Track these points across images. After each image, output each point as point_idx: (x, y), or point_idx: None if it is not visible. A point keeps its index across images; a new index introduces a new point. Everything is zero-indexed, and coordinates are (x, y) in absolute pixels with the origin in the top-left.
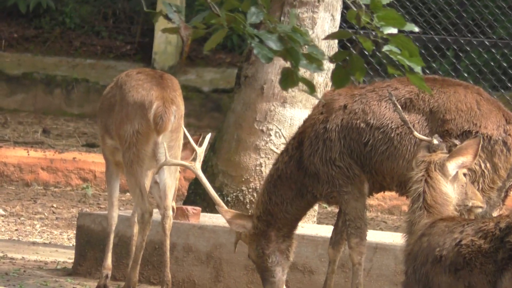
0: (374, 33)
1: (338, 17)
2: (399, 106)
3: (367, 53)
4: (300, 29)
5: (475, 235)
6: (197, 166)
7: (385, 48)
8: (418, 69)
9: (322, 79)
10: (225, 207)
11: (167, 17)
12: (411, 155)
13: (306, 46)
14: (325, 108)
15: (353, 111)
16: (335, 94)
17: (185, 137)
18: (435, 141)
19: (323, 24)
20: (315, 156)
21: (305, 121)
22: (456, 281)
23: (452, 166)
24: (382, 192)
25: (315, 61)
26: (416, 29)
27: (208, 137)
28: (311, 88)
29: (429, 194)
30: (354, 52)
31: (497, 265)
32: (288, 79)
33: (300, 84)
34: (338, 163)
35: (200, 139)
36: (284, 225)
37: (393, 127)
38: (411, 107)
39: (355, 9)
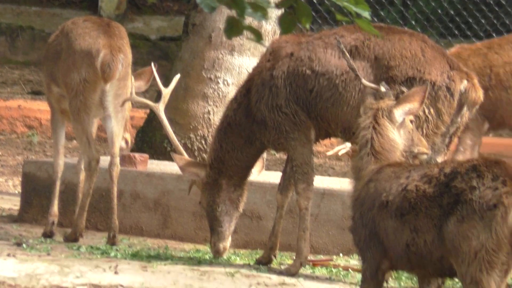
0: None
1: None
2: (347, 53)
3: (315, 1)
4: None
5: (420, 180)
6: (161, 108)
7: None
8: (365, 14)
9: (270, 27)
10: (184, 153)
11: None
12: (355, 101)
13: None
14: (272, 55)
15: (299, 58)
16: (282, 42)
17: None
18: (383, 89)
19: None
20: (262, 103)
21: (253, 69)
22: (402, 226)
23: (399, 113)
24: (329, 139)
25: (260, 9)
26: None
27: (177, 78)
28: (258, 36)
29: (377, 140)
30: None
31: (442, 209)
32: (233, 27)
33: (248, 32)
34: (284, 110)
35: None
36: (235, 173)
37: (338, 74)
38: (357, 54)
39: None
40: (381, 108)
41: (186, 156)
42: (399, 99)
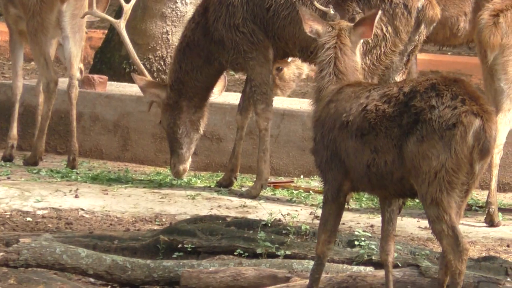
0: None
1: None
2: None
3: None
4: None
5: (380, 99)
6: (122, 24)
7: None
8: None
9: None
10: (146, 73)
11: None
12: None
13: None
14: None
15: None
16: None
17: None
18: (331, 12)
19: None
20: (219, 22)
21: None
22: (362, 146)
23: (357, 35)
24: (287, 59)
25: None
26: None
27: None
28: None
29: (341, 60)
30: None
31: (402, 129)
32: None
33: None
34: (242, 29)
35: None
36: (195, 94)
37: None
38: None
39: None
40: (344, 28)
41: (147, 76)
42: (357, 22)
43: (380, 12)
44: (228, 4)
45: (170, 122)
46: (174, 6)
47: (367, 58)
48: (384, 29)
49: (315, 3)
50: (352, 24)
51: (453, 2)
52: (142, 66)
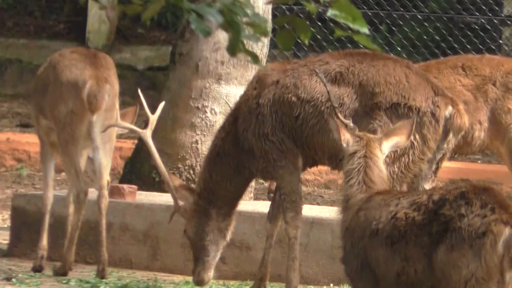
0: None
1: None
2: (325, 81)
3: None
4: (241, 0)
5: (409, 207)
6: (148, 133)
7: (329, 13)
8: (364, 30)
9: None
10: (171, 184)
11: None
12: None
13: (247, 17)
14: (258, 83)
15: (285, 85)
16: (268, 70)
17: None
18: (351, 125)
19: (256, 1)
20: (249, 131)
21: (240, 97)
22: (392, 254)
23: (387, 146)
24: (317, 167)
25: (257, 28)
26: None
27: (162, 104)
28: (255, 58)
29: (371, 169)
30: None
31: (431, 237)
32: (235, 46)
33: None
34: (271, 138)
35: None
36: (224, 203)
37: (323, 100)
38: (341, 80)
39: None
40: (372, 139)
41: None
42: (387, 132)
43: (414, 119)
44: (258, 113)
45: (198, 229)
46: (204, 116)
47: (395, 166)
48: (412, 137)
49: (339, 114)
50: (381, 136)
51: (467, 111)
52: (167, 176)
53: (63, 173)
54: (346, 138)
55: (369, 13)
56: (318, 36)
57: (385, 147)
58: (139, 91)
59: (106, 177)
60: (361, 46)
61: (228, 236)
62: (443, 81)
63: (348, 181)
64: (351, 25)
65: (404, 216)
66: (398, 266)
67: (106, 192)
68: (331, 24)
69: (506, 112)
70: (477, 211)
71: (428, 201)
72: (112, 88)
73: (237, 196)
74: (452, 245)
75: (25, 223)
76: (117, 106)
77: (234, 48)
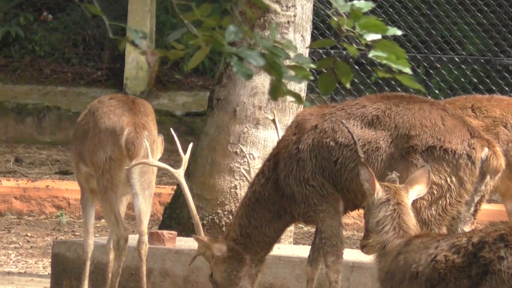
0: (357, 40)
1: (308, 37)
2: (352, 132)
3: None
4: (283, 42)
5: (449, 250)
6: (181, 173)
7: (371, 54)
8: (406, 70)
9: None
10: (201, 229)
11: (133, 44)
12: (378, 172)
13: (290, 59)
14: (297, 128)
15: (323, 130)
16: (307, 114)
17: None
18: (394, 175)
19: (294, 45)
20: (290, 177)
21: (279, 142)
22: None
23: (412, 194)
24: (357, 210)
25: (300, 70)
26: (399, 32)
27: (191, 145)
28: (299, 99)
29: (404, 215)
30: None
31: (471, 280)
32: (277, 89)
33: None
34: (312, 182)
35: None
36: (261, 248)
37: (360, 145)
38: (378, 123)
39: (335, 19)
40: (400, 188)
41: (201, 232)
42: (409, 180)
43: (428, 167)
44: (298, 159)
45: (228, 274)
46: (242, 161)
47: (432, 209)
48: (449, 180)
49: (367, 165)
50: (406, 185)
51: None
52: (198, 219)
53: (103, 220)
54: (377, 188)
55: (406, 56)
56: (356, 80)
57: (411, 196)
58: (172, 130)
59: (145, 223)
60: (399, 88)
61: (256, 283)
62: None
63: (383, 228)
64: (393, 66)
65: (444, 258)
66: None
67: (146, 238)
68: (368, 67)
69: None
70: None
71: (467, 243)
72: (150, 134)
73: (274, 240)
74: (492, 287)
75: (65, 270)
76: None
77: (276, 90)
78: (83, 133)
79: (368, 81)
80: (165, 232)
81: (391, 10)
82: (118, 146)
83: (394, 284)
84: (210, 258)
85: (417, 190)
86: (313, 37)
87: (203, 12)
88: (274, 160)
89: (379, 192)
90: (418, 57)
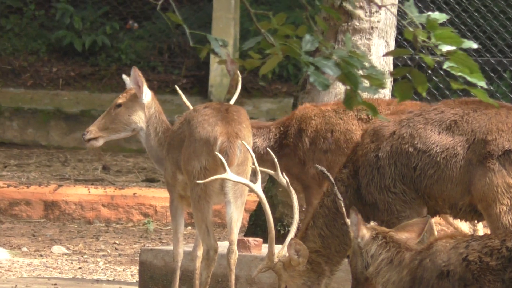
0: (431, 51)
1: (392, 43)
2: (330, 177)
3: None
4: (357, 52)
5: (481, 250)
6: (258, 187)
7: (446, 65)
8: (481, 83)
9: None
10: (273, 236)
11: (213, 52)
12: (458, 178)
13: (364, 69)
14: (375, 136)
15: (401, 136)
16: (385, 121)
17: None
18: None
19: (378, 51)
20: (371, 185)
21: (356, 150)
22: None
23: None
24: (438, 216)
25: (375, 81)
26: (475, 46)
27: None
28: (374, 111)
29: (396, 238)
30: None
31: (505, 284)
32: (352, 99)
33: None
34: (393, 190)
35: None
36: (341, 258)
37: (438, 151)
38: (456, 128)
39: (411, 29)
40: (384, 230)
41: (273, 248)
42: (398, 227)
43: (428, 218)
44: (379, 166)
45: (306, 287)
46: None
47: None
48: None
49: (346, 219)
50: (392, 229)
51: None
52: (273, 234)
53: (189, 227)
54: (363, 233)
55: (492, 61)
56: (441, 85)
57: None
58: (242, 141)
59: (236, 232)
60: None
61: None
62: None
63: (380, 255)
64: (468, 78)
65: (478, 259)
66: None
67: (235, 247)
68: (448, 76)
69: None
70: None
71: (501, 246)
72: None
73: None
74: None
75: (152, 278)
76: (250, 159)
77: (351, 101)
78: (179, 142)
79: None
80: (250, 239)
81: (469, 20)
82: (212, 156)
83: (422, 286)
84: (280, 271)
85: (403, 238)
86: (397, 43)
87: (279, 20)
88: (353, 168)
89: (365, 235)
90: (504, 61)
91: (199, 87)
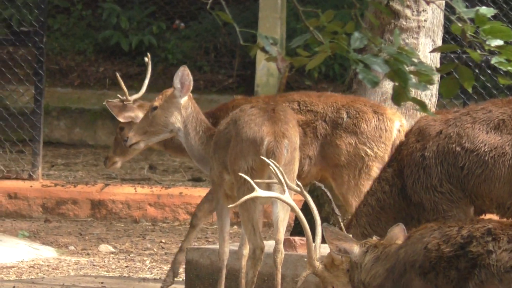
0: (479, 47)
1: (439, 42)
2: (328, 192)
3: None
4: (406, 49)
5: (441, 238)
6: (288, 196)
7: (494, 60)
8: None
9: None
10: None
11: (264, 50)
12: (506, 177)
13: (413, 66)
14: (420, 135)
15: (448, 135)
16: (430, 120)
17: None
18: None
19: (425, 50)
20: (417, 184)
21: (401, 149)
22: (425, 285)
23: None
24: (484, 215)
25: (423, 77)
26: None
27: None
28: (423, 107)
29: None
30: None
31: (460, 273)
32: (400, 95)
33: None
34: (440, 189)
35: None
36: None
37: (486, 150)
38: (504, 127)
39: (459, 25)
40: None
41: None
42: (386, 238)
43: (401, 225)
44: (425, 166)
45: (353, 282)
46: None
47: None
48: None
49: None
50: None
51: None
52: (308, 231)
53: (235, 227)
54: (352, 249)
55: None
56: (488, 84)
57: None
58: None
59: (282, 232)
60: None
61: None
62: None
63: (369, 261)
64: None
65: (435, 247)
66: None
67: (282, 246)
68: (495, 74)
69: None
70: (504, 246)
71: (457, 234)
72: (290, 142)
73: None
74: (481, 280)
75: (198, 277)
76: (297, 158)
77: (400, 97)
78: (226, 142)
79: (501, 85)
80: (296, 238)
81: None
82: (259, 156)
83: (395, 277)
84: (324, 274)
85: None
86: (445, 42)
87: (327, 18)
88: (397, 167)
89: (356, 250)
90: None
91: (245, 86)
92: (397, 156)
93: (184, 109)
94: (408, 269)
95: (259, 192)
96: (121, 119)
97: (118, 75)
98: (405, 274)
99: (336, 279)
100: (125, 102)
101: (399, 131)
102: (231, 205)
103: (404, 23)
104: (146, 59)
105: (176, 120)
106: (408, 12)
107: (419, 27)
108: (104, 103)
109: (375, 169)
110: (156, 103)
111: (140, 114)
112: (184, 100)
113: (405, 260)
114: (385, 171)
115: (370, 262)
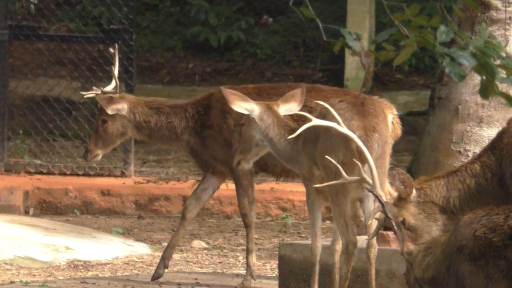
0: None
1: None
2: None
3: None
4: (493, 42)
5: (488, 225)
6: (376, 187)
7: None
8: None
9: None
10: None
11: (347, 45)
12: None
13: (500, 59)
14: None
15: None
16: None
17: None
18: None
19: None
20: None
21: (502, 137)
22: (477, 270)
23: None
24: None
25: (511, 71)
26: None
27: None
28: (509, 101)
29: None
30: None
31: (509, 262)
32: (488, 89)
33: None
34: None
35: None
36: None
37: None
38: None
39: None
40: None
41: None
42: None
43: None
44: None
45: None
46: (466, 160)
47: None
48: None
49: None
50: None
51: None
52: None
53: (327, 222)
54: (410, 250)
55: None
56: None
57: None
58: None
59: (375, 226)
60: None
61: None
62: None
63: (419, 254)
64: None
65: (483, 235)
66: (482, 282)
67: (375, 241)
68: None
69: None
70: None
71: (504, 222)
72: (380, 136)
73: None
74: None
75: (292, 272)
76: (388, 152)
77: (487, 91)
78: (315, 137)
79: None
80: (390, 233)
81: None
82: (350, 151)
83: (447, 264)
84: (393, 210)
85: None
86: None
87: (413, 11)
88: (500, 156)
89: (413, 251)
90: None
91: (334, 80)
92: (499, 144)
93: (261, 121)
94: (456, 252)
95: (346, 179)
96: (109, 112)
97: (112, 50)
98: (453, 256)
99: (406, 211)
100: (110, 95)
101: (392, 123)
102: (316, 185)
103: (495, 15)
104: (111, 49)
105: (257, 133)
106: (498, 3)
107: (510, 18)
108: (85, 95)
109: None
110: (242, 121)
111: (125, 106)
112: (255, 114)
113: (454, 243)
114: (489, 158)
115: (421, 255)
